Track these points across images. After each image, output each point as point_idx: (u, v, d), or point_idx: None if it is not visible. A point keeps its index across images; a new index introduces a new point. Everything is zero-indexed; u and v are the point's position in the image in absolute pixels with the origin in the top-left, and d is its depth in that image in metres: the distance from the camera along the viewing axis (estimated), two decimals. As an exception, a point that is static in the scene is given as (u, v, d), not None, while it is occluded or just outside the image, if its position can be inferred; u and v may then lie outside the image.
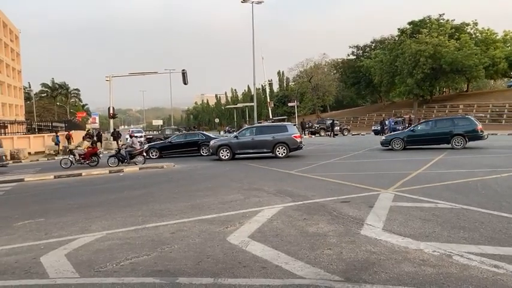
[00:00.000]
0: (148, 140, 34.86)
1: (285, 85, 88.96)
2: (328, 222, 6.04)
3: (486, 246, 4.63)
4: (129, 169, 15.90)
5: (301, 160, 16.16)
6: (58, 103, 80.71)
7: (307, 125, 42.47)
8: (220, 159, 17.72)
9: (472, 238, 4.97)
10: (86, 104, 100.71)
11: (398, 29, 55.40)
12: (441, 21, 52.05)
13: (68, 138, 33.79)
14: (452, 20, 52.50)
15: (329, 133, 38.01)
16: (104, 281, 4.14)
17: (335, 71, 69.75)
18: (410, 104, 52.48)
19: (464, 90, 59.50)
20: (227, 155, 17.87)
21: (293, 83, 79.53)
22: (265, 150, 17.77)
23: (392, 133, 20.63)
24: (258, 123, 40.25)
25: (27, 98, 72.59)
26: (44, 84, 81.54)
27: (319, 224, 5.96)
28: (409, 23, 54.24)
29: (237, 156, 18.04)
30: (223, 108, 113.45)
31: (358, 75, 61.59)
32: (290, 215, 6.64)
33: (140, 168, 16.12)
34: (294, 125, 18.24)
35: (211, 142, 19.45)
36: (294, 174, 12.00)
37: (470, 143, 17.83)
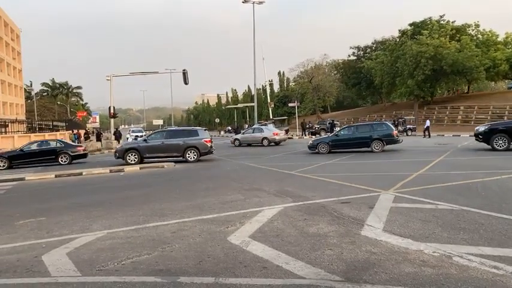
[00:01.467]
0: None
1: (285, 85, 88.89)
2: (329, 222, 6.06)
3: (486, 248, 4.64)
4: (129, 168, 15.92)
5: (301, 160, 16.19)
6: (59, 102, 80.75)
7: (307, 126, 42.50)
8: (127, 164, 17.20)
9: (472, 239, 4.98)
10: (87, 103, 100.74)
11: (399, 30, 55.42)
12: (442, 22, 52.06)
13: (78, 137, 34.11)
14: (453, 22, 52.52)
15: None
16: (105, 280, 4.16)
17: (336, 72, 69.69)
18: (411, 105, 52.44)
19: (465, 91, 59.48)
20: (135, 159, 17.58)
21: (294, 84, 79.43)
22: (175, 154, 17.73)
23: (319, 137, 21.15)
24: (259, 123, 40.33)
25: (28, 97, 72.66)
26: (44, 84, 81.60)
27: (320, 224, 5.98)
28: (410, 24, 54.21)
29: (145, 160, 17.89)
30: (223, 108, 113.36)
31: (359, 76, 61.54)
32: (290, 215, 6.66)
33: (141, 168, 16.14)
34: (205, 130, 18.74)
35: (118, 145, 19.29)
36: (294, 174, 12.02)
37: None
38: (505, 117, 40.47)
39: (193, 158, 17.57)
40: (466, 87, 58.30)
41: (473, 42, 47.63)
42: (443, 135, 33.30)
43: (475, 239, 4.98)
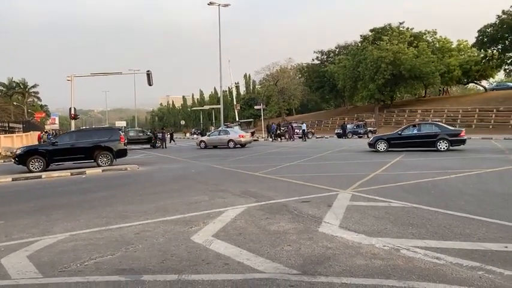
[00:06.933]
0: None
1: (251, 88, 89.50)
2: (289, 220, 6.32)
3: (431, 241, 5.05)
4: (91, 171, 15.61)
5: (266, 162, 16.48)
6: (15, 103, 76.99)
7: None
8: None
9: (419, 233, 5.40)
10: (46, 105, 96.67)
11: (361, 35, 57.28)
12: (401, 29, 54.30)
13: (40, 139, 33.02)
14: (411, 29, 54.92)
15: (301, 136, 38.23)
16: (68, 280, 4.20)
17: (300, 75, 70.99)
18: (372, 108, 54.31)
19: (423, 95, 62.27)
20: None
21: (259, 86, 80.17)
22: None
23: None
24: (225, 125, 40.42)
25: (-19, 97, 68.91)
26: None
27: (281, 222, 6.23)
28: (371, 30, 56.15)
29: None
30: (189, 110, 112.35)
31: (322, 79, 63.00)
32: (253, 214, 6.88)
33: (103, 171, 15.86)
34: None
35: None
36: (258, 176, 12.27)
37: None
38: (458, 120, 42.76)
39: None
40: (424, 91, 60.90)
41: (430, 48, 50.04)
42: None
43: (422, 233, 5.39)
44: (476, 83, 61.48)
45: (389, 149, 19.26)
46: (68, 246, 5.49)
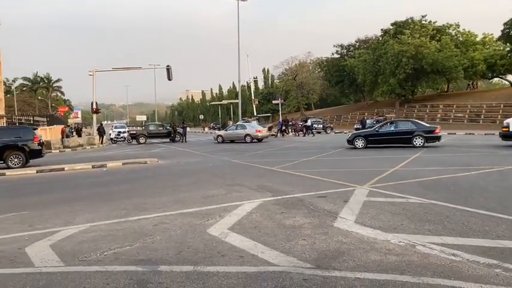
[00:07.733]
0: (132, 136, 34.76)
1: (270, 82, 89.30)
2: (305, 215, 6.34)
3: (448, 237, 4.99)
4: (112, 164, 15.95)
5: (283, 157, 16.49)
6: (39, 97, 79.18)
7: (290, 123, 42.82)
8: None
9: (436, 230, 5.33)
10: (69, 100, 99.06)
11: (382, 29, 56.29)
12: (423, 22, 53.10)
13: (63, 132, 33.86)
14: (434, 22, 53.64)
15: (310, 131, 37.94)
16: (87, 269, 4.34)
17: (319, 70, 70.35)
18: (393, 103, 53.40)
19: (445, 90, 60.86)
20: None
21: (278, 81, 79.92)
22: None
23: None
24: (243, 120, 40.53)
25: (8, 91, 71.03)
26: (25, 78, 79.85)
27: (296, 217, 6.26)
28: (392, 24, 55.09)
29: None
30: (208, 104, 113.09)
31: (342, 74, 62.28)
32: (269, 208, 6.92)
33: (123, 164, 16.19)
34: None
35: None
36: (275, 170, 12.30)
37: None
38: (482, 116, 41.66)
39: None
40: (446, 86, 59.50)
41: (453, 42, 48.78)
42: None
43: (439, 230, 5.33)
44: (501, 78, 59.63)
45: (367, 146, 19.18)
46: (88, 236, 5.67)
